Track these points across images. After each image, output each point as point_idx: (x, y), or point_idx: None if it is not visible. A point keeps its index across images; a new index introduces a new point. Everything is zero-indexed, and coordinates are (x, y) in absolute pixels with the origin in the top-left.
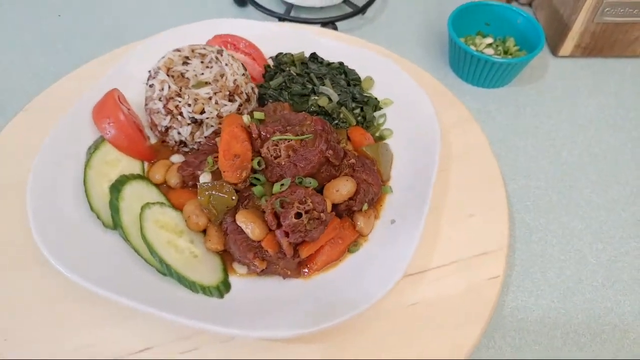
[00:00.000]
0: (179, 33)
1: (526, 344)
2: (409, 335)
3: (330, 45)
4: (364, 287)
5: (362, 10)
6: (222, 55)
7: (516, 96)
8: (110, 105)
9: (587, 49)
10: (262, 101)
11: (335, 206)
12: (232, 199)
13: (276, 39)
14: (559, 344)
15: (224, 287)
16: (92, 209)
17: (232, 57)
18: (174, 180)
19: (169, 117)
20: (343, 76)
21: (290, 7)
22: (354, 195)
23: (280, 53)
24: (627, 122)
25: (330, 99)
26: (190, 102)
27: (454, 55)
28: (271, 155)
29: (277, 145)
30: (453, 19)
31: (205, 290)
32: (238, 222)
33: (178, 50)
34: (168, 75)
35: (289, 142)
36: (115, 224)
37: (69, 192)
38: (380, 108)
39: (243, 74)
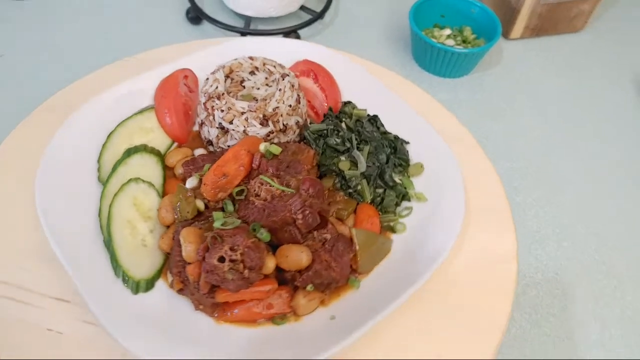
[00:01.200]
0: (269, 45)
1: (543, 318)
2: None
3: (406, 112)
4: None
5: (320, 15)
6: (283, 79)
7: (480, 82)
8: (170, 80)
9: (535, 30)
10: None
11: (282, 271)
12: (188, 212)
13: (361, 84)
14: (570, 314)
15: (143, 285)
16: (99, 159)
17: (293, 85)
18: (179, 170)
19: (205, 114)
20: (389, 151)
21: (249, 19)
22: (304, 270)
23: (349, 102)
24: (584, 91)
25: (355, 166)
26: (224, 108)
27: (418, 49)
28: (254, 192)
29: (262, 185)
30: (413, 13)
31: (125, 279)
32: (179, 236)
33: (252, 58)
34: (227, 77)
35: (270, 187)
36: (105, 182)
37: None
38: (409, 199)
39: (290, 105)
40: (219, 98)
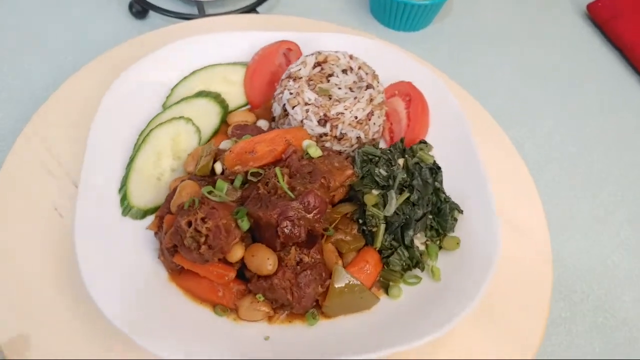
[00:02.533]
0: (380, 50)
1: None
2: None
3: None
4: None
5: None
6: (366, 90)
7: (440, 33)
8: (271, 48)
9: None
10: None
11: (244, 267)
12: (199, 170)
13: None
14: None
15: (134, 213)
16: (173, 88)
17: (371, 99)
18: (230, 130)
19: (279, 89)
20: (433, 210)
21: (201, 4)
22: (262, 277)
23: (424, 142)
24: (536, 23)
25: (383, 207)
26: (292, 92)
27: (376, 4)
28: (265, 180)
29: (274, 177)
30: None
31: (123, 198)
32: (179, 184)
33: (351, 57)
34: (318, 65)
35: (278, 184)
36: (164, 109)
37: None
38: (422, 269)
39: (356, 117)
40: (295, 80)
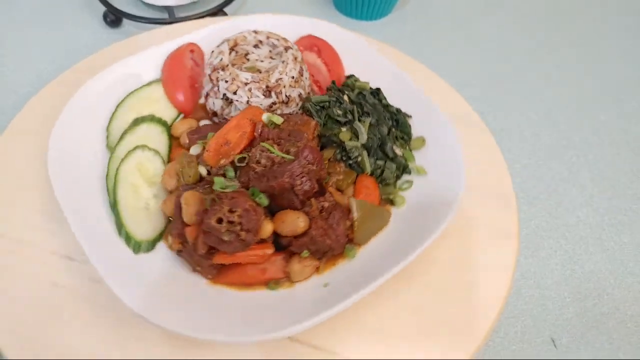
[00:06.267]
0: (276, 21)
1: None
2: None
3: (406, 84)
4: (250, 324)
5: None
6: (286, 51)
7: (403, 20)
8: (177, 54)
9: None
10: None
11: (279, 237)
12: (190, 177)
13: (367, 59)
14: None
15: (145, 246)
16: (108, 127)
17: (295, 57)
18: (185, 139)
19: (210, 85)
20: (391, 123)
21: (172, 9)
22: (300, 236)
23: (352, 75)
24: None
25: (356, 138)
26: (227, 79)
27: None
28: (255, 159)
29: (262, 152)
30: None
31: (127, 238)
32: (180, 199)
33: (256, 32)
34: (232, 50)
35: (271, 153)
36: (113, 149)
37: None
38: (410, 172)
39: (293, 77)
40: (223, 69)
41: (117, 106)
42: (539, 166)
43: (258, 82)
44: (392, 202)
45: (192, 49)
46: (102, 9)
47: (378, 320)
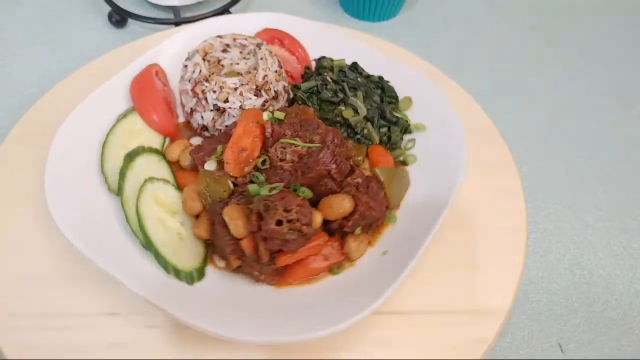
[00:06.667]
0: (230, 21)
1: None
2: None
3: (373, 56)
4: (334, 311)
5: None
6: (260, 48)
7: (412, 21)
8: (144, 78)
9: None
10: (293, 102)
11: (327, 222)
12: (224, 192)
13: (325, 41)
14: None
15: (196, 274)
16: (102, 171)
17: (270, 52)
18: (186, 161)
19: (194, 100)
20: (379, 91)
21: (177, 9)
22: (349, 215)
23: (323, 57)
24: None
25: (357, 112)
26: (215, 89)
27: None
28: (277, 157)
29: (284, 149)
30: None
31: (177, 273)
32: (223, 216)
33: (220, 37)
34: (204, 60)
35: (295, 147)
36: (119, 190)
37: (91, 155)
38: (411, 132)
39: (276, 71)
40: (207, 80)
41: (103, 147)
42: (547, 169)
43: (247, 84)
44: (404, 163)
45: (157, 70)
46: (107, 8)
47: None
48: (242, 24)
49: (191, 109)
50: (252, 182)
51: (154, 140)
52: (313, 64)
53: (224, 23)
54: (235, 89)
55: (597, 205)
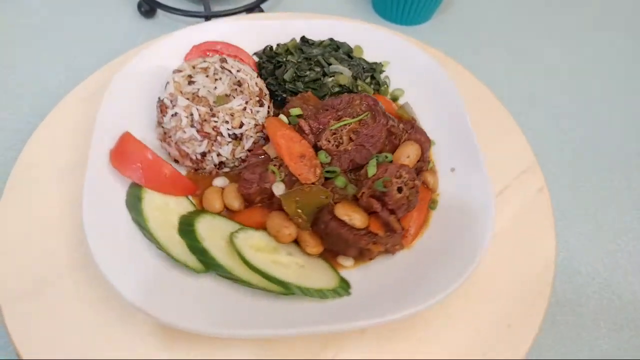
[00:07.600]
0: (146, 56)
1: None
2: None
3: (301, 26)
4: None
5: None
6: (227, 63)
7: (446, 26)
8: (133, 148)
9: None
10: (275, 98)
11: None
12: (325, 198)
13: (247, 33)
14: None
15: (345, 284)
16: (177, 260)
17: (235, 61)
18: (236, 202)
19: (205, 142)
20: (339, 51)
21: (207, 2)
22: (421, 156)
23: (269, 46)
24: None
25: (353, 80)
26: (227, 119)
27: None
28: (333, 145)
29: (335, 134)
30: None
31: (333, 292)
32: (340, 217)
33: (179, 70)
34: (189, 100)
35: (349, 126)
36: (209, 266)
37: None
38: (383, 71)
39: (257, 75)
40: (213, 116)
41: (153, 237)
42: (577, 188)
43: (250, 98)
44: (395, 98)
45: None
46: None
47: None
48: (170, 46)
49: (203, 152)
50: (327, 178)
51: (183, 204)
52: (255, 59)
53: (139, 63)
54: (244, 109)
55: (628, 227)
